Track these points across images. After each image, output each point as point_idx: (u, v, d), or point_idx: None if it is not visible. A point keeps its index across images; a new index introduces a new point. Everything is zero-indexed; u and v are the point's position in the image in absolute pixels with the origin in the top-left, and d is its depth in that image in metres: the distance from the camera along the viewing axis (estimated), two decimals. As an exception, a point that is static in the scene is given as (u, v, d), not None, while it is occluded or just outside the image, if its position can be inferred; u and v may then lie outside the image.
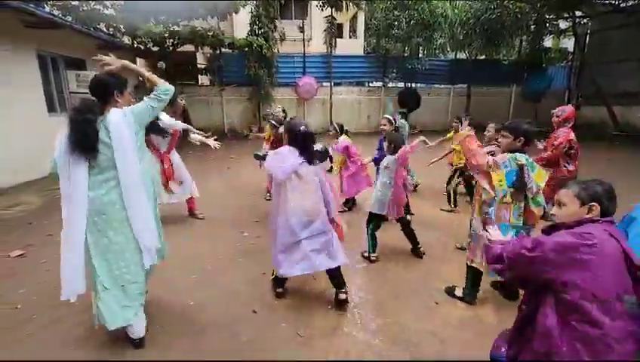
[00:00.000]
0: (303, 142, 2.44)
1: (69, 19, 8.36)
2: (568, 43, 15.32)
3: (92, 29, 8.51)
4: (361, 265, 3.33)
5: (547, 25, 12.74)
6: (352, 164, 4.42)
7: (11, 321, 2.47)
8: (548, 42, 15.22)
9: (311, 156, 2.46)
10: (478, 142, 2.58)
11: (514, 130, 2.38)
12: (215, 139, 4.15)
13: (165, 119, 3.70)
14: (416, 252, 3.47)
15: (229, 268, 3.25)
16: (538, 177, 2.32)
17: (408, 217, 4.25)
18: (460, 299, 2.67)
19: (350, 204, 4.87)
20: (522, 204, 2.35)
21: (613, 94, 11.74)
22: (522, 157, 2.31)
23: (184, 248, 3.64)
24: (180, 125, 3.91)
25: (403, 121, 4.94)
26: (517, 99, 14.06)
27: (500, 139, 2.50)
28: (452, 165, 4.68)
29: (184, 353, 2.18)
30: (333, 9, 12.59)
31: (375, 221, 3.34)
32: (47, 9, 8.03)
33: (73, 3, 8.47)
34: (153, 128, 3.60)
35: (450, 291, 2.78)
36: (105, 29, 9.10)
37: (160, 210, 4.17)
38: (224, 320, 2.49)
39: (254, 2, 11.37)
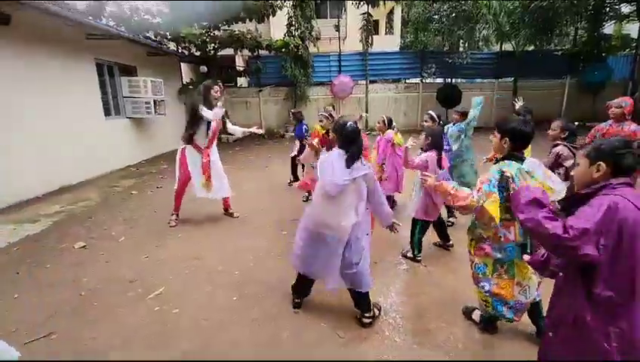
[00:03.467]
0: (350, 141, 2.24)
1: (123, 29, 9.03)
2: (632, 29, 13.75)
3: (142, 37, 9.13)
4: (402, 267, 3.25)
5: (607, 9, 11.56)
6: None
7: (75, 307, 2.72)
8: (608, 29, 13.80)
9: (358, 154, 2.25)
10: (448, 185, 2.05)
11: (498, 128, 1.95)
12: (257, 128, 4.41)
13: (208, 114, 3.97)
14: (445, 246, 3.51)
15: (270, 265, 3.33)
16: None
17: (452, 220, 4.13)
18: (476, 323, 2.39)
19: (390, 202, 4.77)
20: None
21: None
22: (511, 168, 1.86)
23: (226, 245, 3.80)
24: (220, 113, 4.09)
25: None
26: (571, 92, 12.94)
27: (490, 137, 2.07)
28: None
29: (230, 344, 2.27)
30: (369, 6, 12.41)
31: (419, 226, 3.25)
32: (104, 21, 8.74)
33: (126, 14, 9.12)
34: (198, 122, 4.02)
35: (467, 312, 2.48)
36: (153, 37, 9.72)
37: (197, 208, 4.38)
38: (266, 316, 2.56)
39: (291, 3, 11.53)
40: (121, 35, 7.26)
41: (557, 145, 2.99)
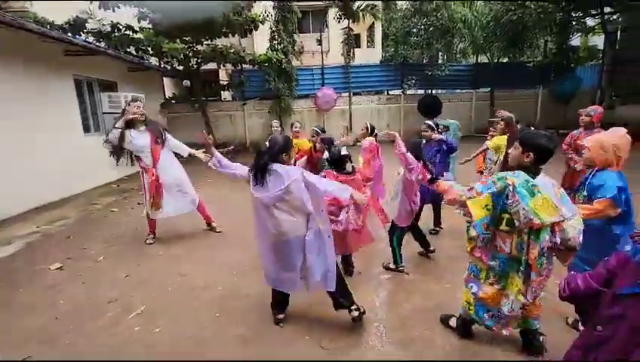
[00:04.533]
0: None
1: (103, 44, 8.95)
2: (598, 41, 14.59)
3: (123, 52, 9.07)
4: (386, 276, 3.28)
5: (573, 23, 12.26)
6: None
7: (51, 332, 2.61)
8: (576, 41, 14.60)
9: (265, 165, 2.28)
10: (445, 183, 2.27)
11: (524, 141, 1.93)
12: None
13: (111, 134, 3.90)
14: (426, 253, 3.56)
15: (255, 279, 3.27)
16: (541, 208, 1.78)
17: (437, 228, 4.23)
18: (453, 329, 2.41)
19: None
20: (526, 237, 1.89)
21: (650, 91, 11.06)
22: (517, 177, 1.86)
23: (209, 260, 3.74)
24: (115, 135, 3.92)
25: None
26: (544, 102, 13.53)
27: (510, 150, 2.09)
28: (481, 172, 4.46)
29: (211, 364, 2.22)
30: (350, 20, 12.76)
31: (397, 237, 3.29)
32: (84, 37, 8.66)
33: (106, 30, 9.06)
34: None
35: (445, 319, 2.51)
36: (134, 52, 9.67)
37: (180, 224, 4.29)
38: (250, 331, 2.52)
39: (273, 18, 11.73)
40: (101, 50, 7.20)
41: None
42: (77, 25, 8.58)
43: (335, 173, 2.94)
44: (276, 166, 2.27)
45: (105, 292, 3.14)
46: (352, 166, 3.06)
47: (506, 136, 3.59)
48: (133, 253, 3.97)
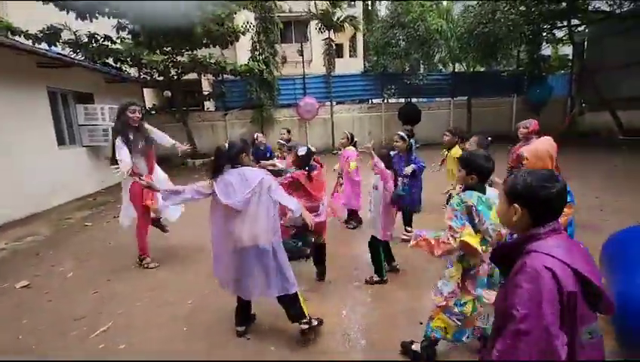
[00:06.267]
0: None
1: (79, 56, 8.85)
2: (569, 50, 15.31)
3: (100, 64, 8.98)
4: (355, 285, 3.33)
5: (543, 34, 12.84)
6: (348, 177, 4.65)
7: (12, 352, 2.56)
8: (547, 51, 15.28)
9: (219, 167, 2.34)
10: (427, 236, 2.04)
11: (466, 164, 2.02)
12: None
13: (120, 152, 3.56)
14: (392, 268, 3.50)
15: (225, 293, 3.28)
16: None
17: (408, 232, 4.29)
18: (418, 355, 2.25)
19: (355, 222, 4.84)
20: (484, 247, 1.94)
21: (616, 99, 11.63)
22: (472, 197, 1.92)
23: (181, 275, 3.73)
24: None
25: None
26: (519, 109, 14.03)
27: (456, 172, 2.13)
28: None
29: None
30: (331, 31, 13.02)
31: (381, 248, 3.24)
32: (59, 48, 8.55)
33: (83, 40, 8.98)
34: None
35: (406, 346, 2.33)
36: (113, 63, 9.58)
37: (152, 239, 4.21)
38: (215, 345, 2.53)
39: (255, 29, 11.86)
40: (75, 62, 7.13)
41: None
42: (52, 35, 8.48)
43: (305, 173, 3.02)
44: (241, 169, 2.30)
45: (72, 310, 3.08)
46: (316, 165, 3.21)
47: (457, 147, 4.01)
48: (105, 269, 3.91)
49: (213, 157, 2.41)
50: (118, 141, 3.53)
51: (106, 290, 3.43)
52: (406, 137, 4.13)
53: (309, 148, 3.14)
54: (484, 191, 1.98)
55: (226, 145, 2.37)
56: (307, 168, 3.06)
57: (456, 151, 4.01)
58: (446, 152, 4.34)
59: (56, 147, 6.93)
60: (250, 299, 2.54)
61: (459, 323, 2.06)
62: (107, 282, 3.60)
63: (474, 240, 1.85)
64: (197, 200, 2.41)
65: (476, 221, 1.89)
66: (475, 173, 1.97)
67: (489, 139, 3.34)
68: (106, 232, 5.20)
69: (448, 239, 1.89)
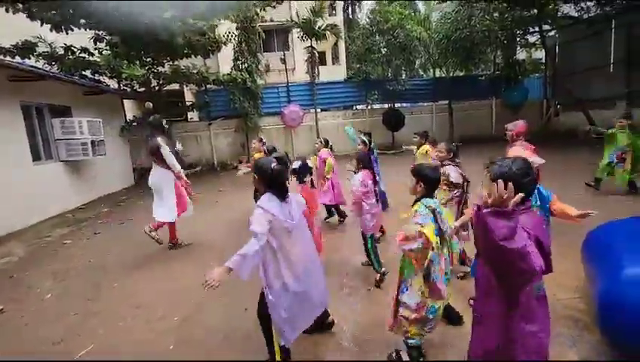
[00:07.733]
0: (278, 183, 2.19)
1: (55, 68, 8.60)
2: (541, 55, 15.96)
3: (78, 76, 8.74)
4: (345, 291, 3.29)
5: (517, 39, 13.35)
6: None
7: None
8: (522, 55, 15.87)
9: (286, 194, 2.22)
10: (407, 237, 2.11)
11: (415, 174, 2.22)
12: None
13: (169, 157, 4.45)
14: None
15: (214, 306, 3.19)
16: (449, 217, 2.24)
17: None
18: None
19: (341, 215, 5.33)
20: (446, 250, 2.18)
21: (588, 100, 12.14)
22: (431, 202, 2.15)
23: (168, 288, 3.60)
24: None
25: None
26: (498, 111, 14.46)
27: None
28: None
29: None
30: (312, 39, 13.14)
31: (370, 240, 3.35)
32: (33, 60, 8.28)
33: (58, 53, 8.73)
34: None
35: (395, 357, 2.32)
36: (90, 75, 9.34)
37: (138, 250, 4.13)
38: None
39: (236, 39, 11.84)
40: (50, 75, 6.91)
41: (444, 165, 3.18)
42: (25, 48, 8.21)
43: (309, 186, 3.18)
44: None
45: (49, 334, 2.92)
46: (312, 179, 3.35)
47: (426, 146, 4.90)
48: (86, 288, 3.74)
49: (272, 176, 2.17)
50: (169, 149, 4.42)
51: (87, 310, 3.28)
52: (367, 141, 4.73)
53: (305, 160, 3.27)
54: (432, 199, 2.22)
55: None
56: (300, 179, 3.17)
57: (423, 149, 4.91)
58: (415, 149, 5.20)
59: (31, 163, 6.65)
60: (313, 319, 2.37)
61: (432, 325, 2.19)
62: (88, 301, 3.44)
63: (431, 235, 2.02)
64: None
65: (439, 222, 2.11)
66: (423, 182, 2.19)
67: (454, 144, 3.38)
68: (85, 250, 5.00)
69: (417, 238, 2.05)
